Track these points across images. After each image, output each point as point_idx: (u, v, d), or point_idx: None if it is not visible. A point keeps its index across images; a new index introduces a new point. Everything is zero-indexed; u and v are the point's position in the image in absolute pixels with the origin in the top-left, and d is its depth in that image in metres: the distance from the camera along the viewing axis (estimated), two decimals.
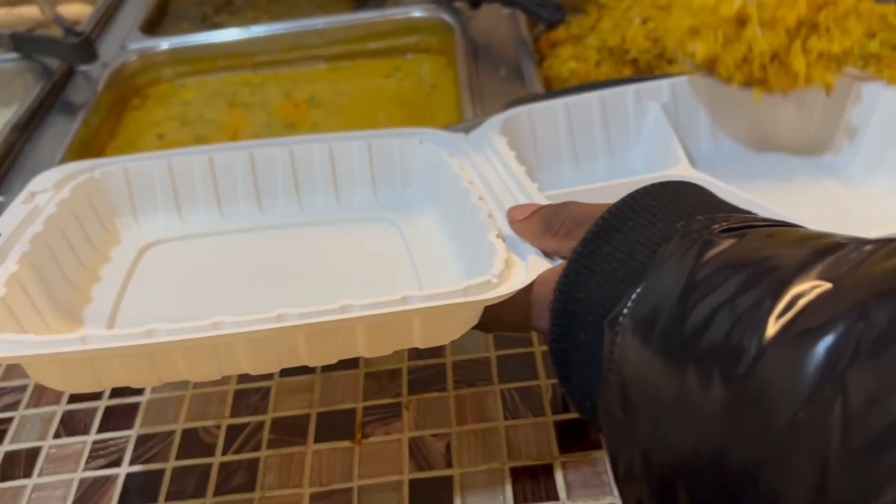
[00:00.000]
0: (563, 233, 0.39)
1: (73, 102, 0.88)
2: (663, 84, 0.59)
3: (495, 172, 0.52)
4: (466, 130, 0.72)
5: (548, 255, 0.41)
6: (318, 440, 0.50)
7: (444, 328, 0.40)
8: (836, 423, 0.21)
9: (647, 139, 0.60)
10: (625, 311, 0.29)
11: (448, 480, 0.47)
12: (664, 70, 0.79)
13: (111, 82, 0.90)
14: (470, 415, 0.50)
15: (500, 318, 0.40)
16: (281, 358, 0.39)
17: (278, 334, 0.37)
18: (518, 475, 0.46)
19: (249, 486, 0.48)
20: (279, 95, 0.91)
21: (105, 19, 1.03)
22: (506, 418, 0.50)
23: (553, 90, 0.76)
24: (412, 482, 0.47)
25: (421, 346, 0.40)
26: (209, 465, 0.50)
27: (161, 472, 0.50)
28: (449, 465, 0.47)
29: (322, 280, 0.52)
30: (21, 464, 0.51)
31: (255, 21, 1.04)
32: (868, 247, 0.25)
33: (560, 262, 0.40)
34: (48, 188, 0.53)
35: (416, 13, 0.93)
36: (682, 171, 0.51)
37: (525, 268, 0.41)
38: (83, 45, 0.86)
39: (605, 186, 0.51)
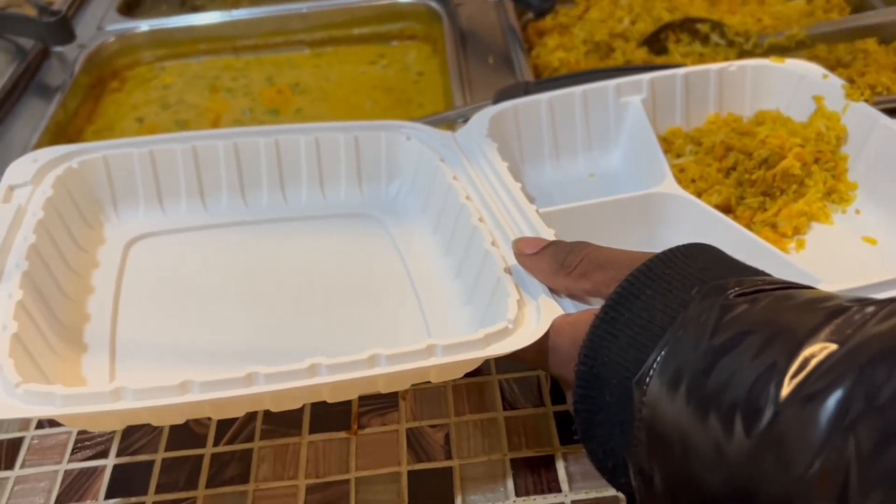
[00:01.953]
0: (577, 274, 0.40)
1: (49, 84, 0.86)
2: (643, 79, 0.59)
3: (490, 187, 0.52)
4: (455, 119, 0.72)
5: (556, 292, 0.42)
6: (313, 431, 0.49)
7: (459, 370, 0.41)
8: (852, 464, 0.24)
9: (626, 136, 0.60)
10: (651, 372, 0.31)
11: (448, 472, 0.46)
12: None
13: (88, 64, 0.88)
14: (469, 405, 0.49)
15: (514, 356, 0.41)
16: (304, 399, 0.39)
17: (309, 388, 0.37)
18: (518, 466, 0.46)
19: (243, 478, 0.47)
20: (262, 80, 0.89)
21: (80, 0, 1.00)
22: (505, 409, 0.49)
23: (542, 79, 0.75)
24: (411, 474, 0.46)
25: (435, 381, 0.41)
26: (201, 457, 0.48)
27: (150, 464, 0.48)
28: (448, 456, 0.47)
29: (315, 290, 0.51)
30: (2, 455, 0.49)
31: (236, 4, 1.02)
32: (870, 308, 0.28)
33: (568, 300, 0.42)
34: (27, 181, 0.51)
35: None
36: (667, 188, 0.52)
37: (536, 308, 0.41)
38: (60, 24, 0.83)
39: (599, 203, 0.51)
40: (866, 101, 0.55)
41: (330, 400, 0.40)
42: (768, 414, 0.27)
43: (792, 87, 0.60)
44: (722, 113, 0.61)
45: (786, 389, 0.27)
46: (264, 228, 0.56)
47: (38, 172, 0.52)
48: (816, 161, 0.54)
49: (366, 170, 0.58)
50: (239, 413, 0.39)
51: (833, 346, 0.27)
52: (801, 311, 0.29)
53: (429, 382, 0.41)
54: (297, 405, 0.40)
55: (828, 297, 0.30)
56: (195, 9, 1.02)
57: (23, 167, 0.52)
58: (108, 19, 0.94)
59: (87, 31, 0.92)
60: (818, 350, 0.27)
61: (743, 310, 0.30)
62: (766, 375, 0.27)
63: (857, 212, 0.54)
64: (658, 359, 0.31)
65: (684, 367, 0.30)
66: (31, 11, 0.92)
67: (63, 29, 0.83)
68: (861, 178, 0.55)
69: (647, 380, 0.31)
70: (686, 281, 0.34)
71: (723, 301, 0.31)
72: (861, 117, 0.55)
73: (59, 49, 0.89)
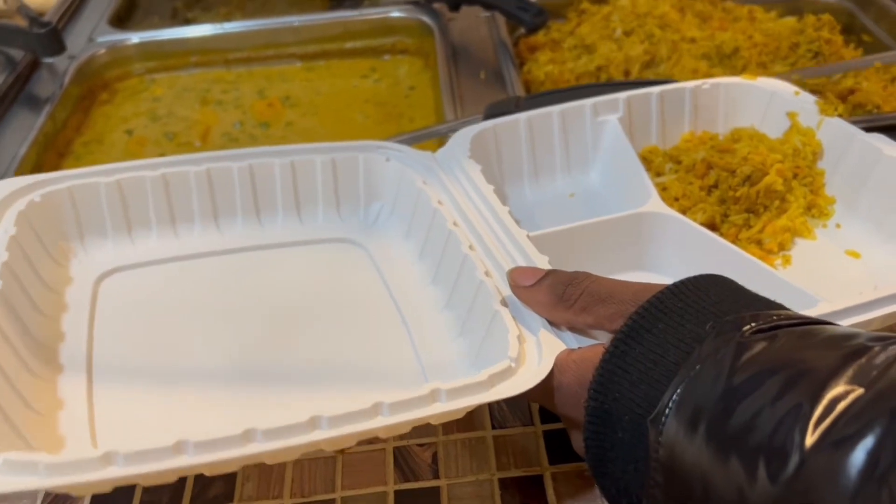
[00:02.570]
0: (578, 307, 0.39)
1: (38, 95, 0.85)
2: (619, 98, 0.59)
3: (477, 211, 0.50)
4: (445, 133, 0.71)
5: (556, 326, 0.41)
6: None
7: (462, 413, 0.38)
8: None
9: (605, 154, 0.60)
10: (667, 411, 0.30)
11: (435, 492, 0.45)
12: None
13: (78, 75, 0.87)
14: (457, 424, 0.49)
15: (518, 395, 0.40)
16: (302, 451, 0.37)
17: (308, 444, 0.35)
18: (507, 486, 0.45)
19: (228, 497, 0.46)
20: (253, 93, 0.89)
21: (71, 11, 0.99)
22: (494, 427, 0.49)
23: (531, 95, 0.75)
24: (398, 493, 0.45)
25: (436, 423, 0.39)
26: (184, 476, 0.48)
27: (132, 485, 0.47)
28: (436, 475, 0.46)
29: (297, 321, 0.48)
30: None
31: (227, 17, 1.02)
32: (893, 349, 0.28)
33: (570, 334, 0.40)
34: None
35: (395, 13, 0.92)
36: (653, 207, 0.51)
37: (537, 344, 0.40)
38: (50, 35, 0.83)
39: (588, 225, 0.51)
40: (840, 115, 0.55)
41: (328, 449, 0.37)
42: (795, 460, 0.26)
43: (764, 103, 0.60)
44: (697, 131, 0.61)
45: (813, 435, 0.26)
46: (240, 257, 0.53)
47: None
48: (795, 177, 0.54)
49: (344, 193, 0.56)
50: (234, 469, 0.37)
51: (859, 391, 0.26)
52: (822, 350, 0.29)
53: None
54: (294, 457, 0.37)
55: (848, 336, 0.30)
56: (187, 21, 1.02)
57: None
58: (100, 31, 0.94)
59: (77, 42, 0.92)
60: (843, 393, 0.26)
61: (762, 348, 0.30)
62: (790, 419, 0.27)
63: (838, 226, 0.54)
64: (674, 397, 0.30)
65: (703, 406, 0.29)
66: (21, 22, 0.92)
67: (53, 40, 0.83)
68: (838, 192, 0.55)
69: (663, 419, 0.30)
70: (699, 314, 0.33)
71: (739, 338, 0.31)
72: (835, 132, 0.55)
73: (49, 60, 0.89)
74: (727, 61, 0.81)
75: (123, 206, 0.53)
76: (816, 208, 0.55)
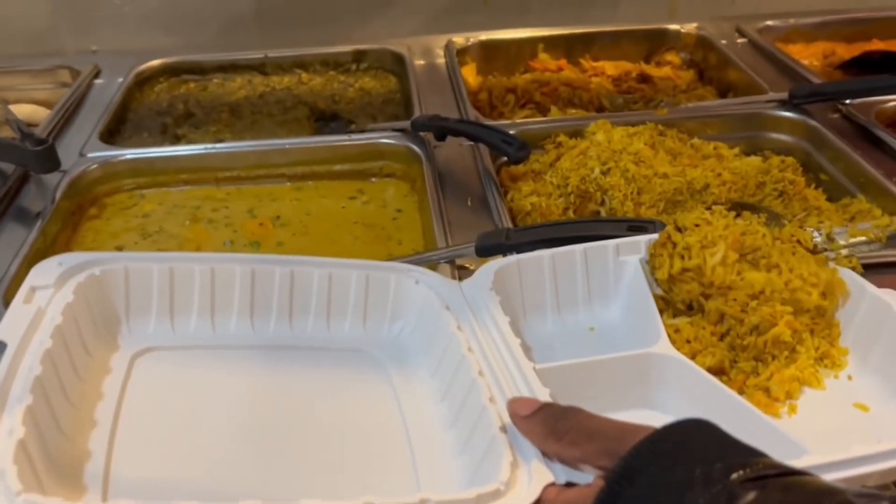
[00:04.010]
0: (567, 441, 0.42)
1: (29, 209, 0.86)
2: (641, 241, 0.63)
3: (492, 340, 0.54)
4: (438, 260, 0.74)
5: (547, 456, 0.44)
6: None
7: None
8: None
9: (625, 292, 0.63)
10: None
11: None
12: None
13: (70, 190, 0.89)
14: None
15: None
16: None
17: None
18: None
19: None
20: (243, 212, 0.91)
21: (61, 125, 1.01)
22: None
23: (521, 227, 0.78)
24: None
25: None
26: None
27: None
28: None
29: (310, 426, 0.51)
30: None
31: (217, 135, 1.05)
32: None
33: (560, 466, 0.43)
34: (49, 284, 0.53)
35: (383, 140, 0.96)
36: (661, 348, 0.55)
37: (528, 472, 0.43)
38: (46, 153, 0.84)
39: (594, 361, 0.54)
40: (853, 268, 0.59)
41: None
42: None
43: None
44: None
45: None
46: (267, 354, 0.57)
47: (61, 276, 0.54)
48: (812, 332, 0.57)
49: (372, 308, 0.60)
50: None
51: None
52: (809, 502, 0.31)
53: None
54: None
55: (834, 492, 0.32)
56: (176, 137, 1.04)
57: (47, 269, 0.54)
58: (90, 146, 0.96)
59: (68, 156, 0.93)
60: None
61: (752, 498, 0.32)
62: None
63: (850, 378, 0.56)
64: None
65: None
66: (10, 133, 0.93)
67: (49, 158, 0.84)
68: (852, 344, 0.58)
69: None
70: (688, 460, 0.35)
71: (730, 487, 0.33)
72: (849, 284, 0.58)
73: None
74: (698, 196, 0.86)
75: (171, 292, 0.57)
76: (829, 358, 0.57)
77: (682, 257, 0.60)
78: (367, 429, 0.52)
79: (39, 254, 0.79)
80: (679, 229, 0.61)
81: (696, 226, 0.61)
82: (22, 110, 1.11)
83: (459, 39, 1.23)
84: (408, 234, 0.88)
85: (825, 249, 0.63)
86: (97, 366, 0.52)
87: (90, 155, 0.94)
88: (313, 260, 0.59)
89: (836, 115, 0.99)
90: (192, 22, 1.38)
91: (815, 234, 0.64)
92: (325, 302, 0.59)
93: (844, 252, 0.69)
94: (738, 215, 0.62)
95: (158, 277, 0.57)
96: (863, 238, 0.74)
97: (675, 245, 0.61)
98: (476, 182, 0.91)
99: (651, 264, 0.62)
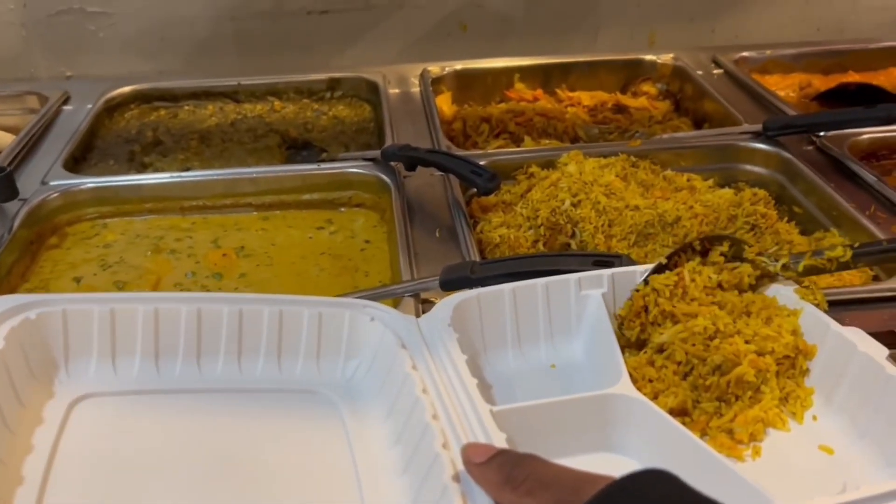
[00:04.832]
0: (523, 490, 0.41)
1: None
2: (604, 275, 0.61)
3: (448, 380, 0.52)
4: (402, 294, 0.72)
5: None
6: None
7: None
8: None
9: (586, 327, 0.62)
10: None
11: None
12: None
13: (29, 219, 0.86)
14: None
15: None
16: None
17: None
18: None
19: None
20: (207, 242, 0.89)
21: (25, 151, 1.00)
22: None
23: (486, 261, 0.77)
24: None
25: None
26: None
27: None
28: None
29: (258, 474, 0.49)
30: None
31: (185, 163, 1.03)
32: None
33: None
34: None
35: (353, 169, 0.95)
36: (621, 389, 0.53)
37: None
38: (4, 181, 0.82)
39: (553, 403, 0.52)
40: (817, 304, 0.57)
41: None
42: None
43: None
44: None
45: None
46: (215, 398, 0.55)
47: None
48: (778, 370, 0.55)
49: (325, 347, 0.58)
50: None
51: None
52: None
53: None
54: None
55: None
56: (143, 165, 1.02)
57: None
58: (53, 174, 0.94)
59: (30, 184, 0.91)
60: None
61: None
62: None
63: (815, 418, 0.55)
64: None
65: None
66: None
67: (6, 186, 0.82)
68: (818, 383, 0.56)
69: None
70: None
71: None
72: (814, 322, 0.57)
73: None
74: (669, 229, 0.85)
75: (112, 334, 0.55)
76: (795, 399, 0.55)
77: (655, 324, 0.59)
78: (317, 474, 0.50)
79: None
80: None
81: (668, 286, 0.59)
82: None
83: (435, 68, 1.22)
84: (375, 266, 0.86)
85: (777, 275, 0.63)
86: (30, 416, 0.49)
87: (52, 183, 0.92)
88: (263, 297, 0.57)
89: (810, 148, 0.99)
90: (170, 48, 1.38)
91: (773, 261, 0.62)
92: (276, 341, 0.57)
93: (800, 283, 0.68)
94: (704, 253, 0.61)
95: (99, 319, 0.54)
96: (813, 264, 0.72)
97: (648, 312, 0.60)
98: (446, 213, 0.89)
99: (623, 325, 0.60)
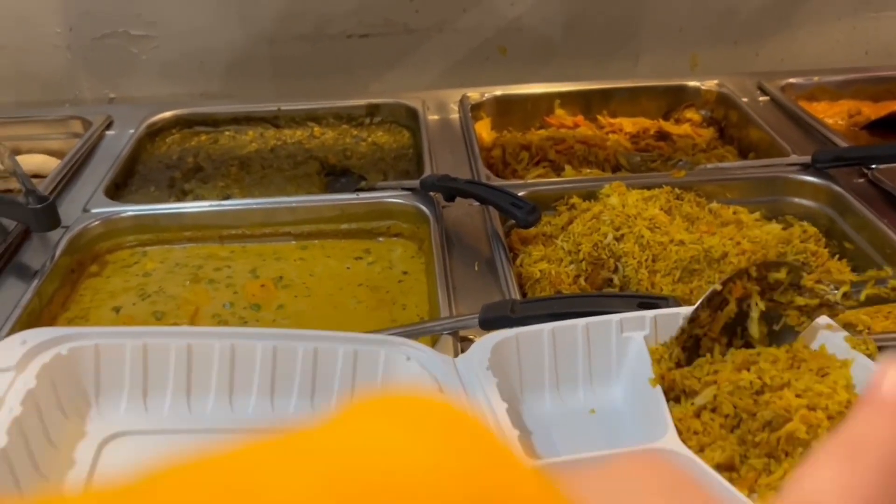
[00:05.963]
0: None
1: (28, 266, 0.84)
2: (646, 316, 0.60)
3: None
4: (440, 331, 0.71)
5: None
6: None
7: None
8: None
9: (628, 371, 0.60)
10: None
11: None
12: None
13: (70, 247, 0.87)
14: None
15: None
16: None
17: None
18: None
19: None
20: (245, 272, 0.89)
21: (68, 178, 1.01)
22: None
23: (527, 300, 0.75)
24: None
25: None
26: None
27: None
28: None
29: None
30: None
31: (225, 190, 1.03)
32: None
33: None
34: (10, 366, 0.49)
35: (392, 199, 0.94)
36: (668, 443, 0.51)
37: None
38: (46, 212, 0.83)
39: (598, 458, 0.50)
40: (869, 355, 0.55)
41: None
42: None
43: None
44: None
45: None
46: (245, 438, 0.54)
47: (25, 356, 0.50)
48: (831, 420, 0.52)
49: (359, 387, 0.57)
50: None
51: None
52: None
53: None
54: None
55: None
56: (183, 192, 1.03)
57: (9, 348, 0.51)
58: (95, 201, 0.94)
59: (72, 212, 0.92)
60: None
61: None
62: None
63: None
64: None
65: None
66: (14, 184, 0.92)
67: (49, 216, 0.83)
68: None
69: None
70: None
71: None
72: (866, 374, 0.54)
73: None
74: (716, 265, 0.82)
75: (144, 370, 0.54)
76: None
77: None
78: None
79: (33, 315, 0.78)
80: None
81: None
82: (33, 160, 1.11)
83: (474, 94, 1.21)
84: (413, 298, 0.85)
85: (838, 304, 0.59)
86: (61, 457, 0.49)
87: (94, 211, 0.92)
88: (297, 333, 0.56)
89: (861, 180, 0.95)
90: (208, 71, 1.39)
91: (833, 289, 0.59)
92: (310, 379, 0.56)
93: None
94: (760, 280, 0.59)
95: (132, 355, 0.53)
96: (876, 293, 0.68)
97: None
98: (485, 245, 0.88)
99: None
